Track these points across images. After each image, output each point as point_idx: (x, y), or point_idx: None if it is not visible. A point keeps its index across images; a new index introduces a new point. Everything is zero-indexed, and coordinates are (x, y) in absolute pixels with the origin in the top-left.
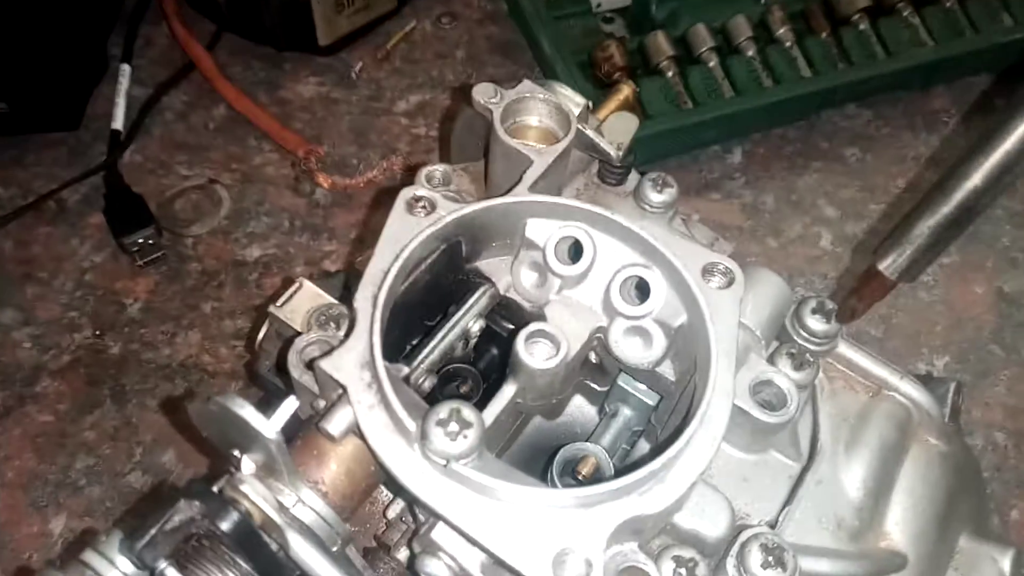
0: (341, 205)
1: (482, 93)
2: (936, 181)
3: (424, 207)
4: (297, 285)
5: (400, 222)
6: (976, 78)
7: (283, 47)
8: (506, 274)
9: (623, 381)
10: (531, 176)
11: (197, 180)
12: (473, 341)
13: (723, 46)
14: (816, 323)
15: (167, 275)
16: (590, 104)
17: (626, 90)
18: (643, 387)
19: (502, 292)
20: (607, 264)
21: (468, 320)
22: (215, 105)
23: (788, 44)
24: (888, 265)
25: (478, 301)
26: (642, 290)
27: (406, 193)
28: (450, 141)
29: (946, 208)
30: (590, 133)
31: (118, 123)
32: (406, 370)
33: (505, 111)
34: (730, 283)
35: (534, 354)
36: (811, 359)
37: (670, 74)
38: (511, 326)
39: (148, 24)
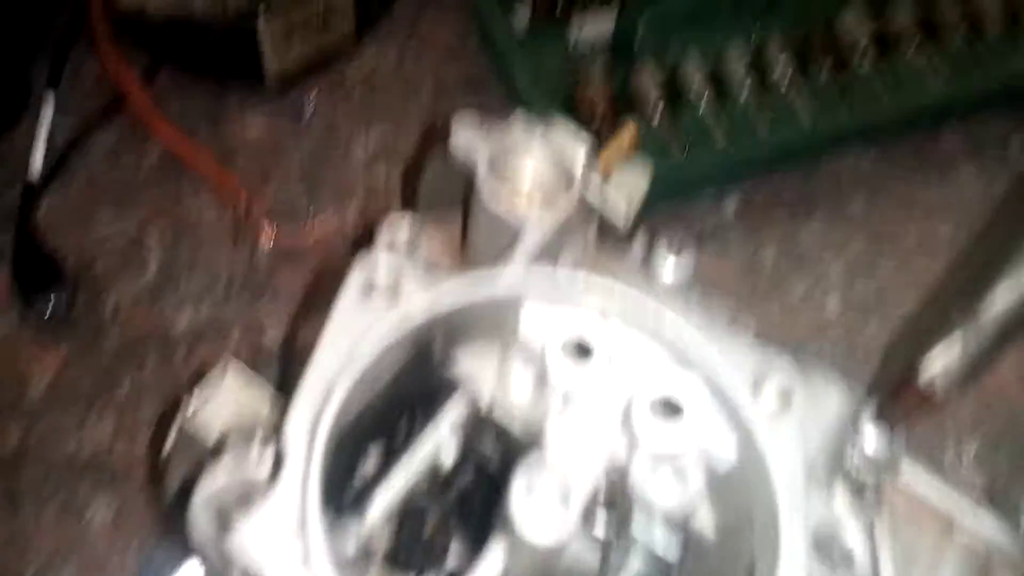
0: (287, 260)
1: (463, 135)
2: (976, 274)
3: (385, 294)
4: (220, 371)
5: (352, 314)
6: (990, 116)
7: (227, 79)
8: (491, 382)
9: (639, 527)
10: (527, 250)
11: (123, 232)
12: (445, 472)
13: (714, 87)
14: (876, 450)
15: (80, 348)
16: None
17: (632, 130)
18: (663, 537)
19: (486, 406)
20: (626, 369)
21: (439, 446)
22: (148, 145)
23: (785, 85)
24: (939, 379)
25: (453, 418)
26: (674, 411)
27: (358, 275)
28: (418, 191)
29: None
30: (594, 197)
31: (36, 165)
32: (355, 528)
33: (492, 161)
34: (788, 403)
35: (534, 509)
36: (875, 490)
37: (657, 115)
38: (496, 457)
39: (78, 52)
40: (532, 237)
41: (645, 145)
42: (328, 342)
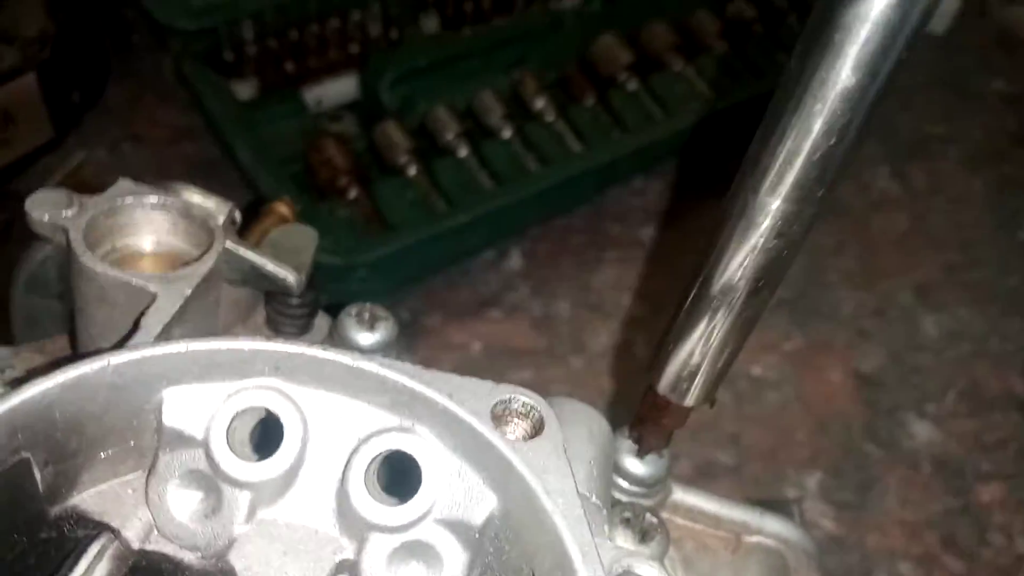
0: None
1: (44, 203)
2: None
3: None
4: None
5: None
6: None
7: None
8: (139, 506)
9: None
10: (157, 319)
11: None
12: None
13: (473, 130)
14: (639, 465)
15: None
16: (236, 212)
17: (282, 208)
18: None
19: (136, 544)
20: (330, 442)
21: None
22: None
23: (551, 118)
24: (671, 389)
25: (91, 572)
26: (404, 474)
27: None
28: (8, 307)
29: (709, 310)
30: (248, 252)
31: None
32: None
33: (92, 229)
34: (538, 428)
35: None
36: (655, 521)
37: (412, 172)
38: None
39: None
40: (163, 303)
41: (402, 207)
42: None
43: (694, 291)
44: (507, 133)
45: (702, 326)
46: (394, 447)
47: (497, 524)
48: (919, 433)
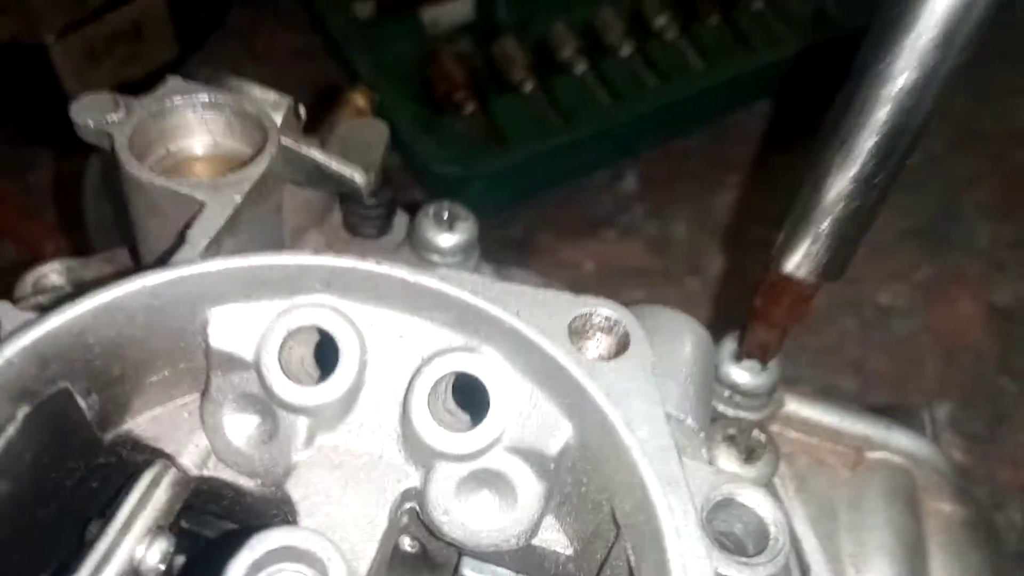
0: None
1: (88, 108)
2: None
3: None
4: None
5: None
6: None
7: (28, 118)
8: (196, 430)
9: (472, 570)
10: (204, 230)
11: None
12: (158, 570)
13: (591, 47)
14: (744, 374)
15: None
16: (301, 108)
17: (358, 99)
18: (511, 574)
19: (194, 470)
20: (392, 363)
21: (134, 543)
22: None
23: (672, 36)
24: (796, 266)
25: (146, 500)
26: (472, 397)
27: None
28: (85, 215)
29: (842, 174)
30: (311, 150)
31: None
32: None
33: (140, 134)
34: (623, 344)
35: None
36: (763, 437)
37: (529, 88)
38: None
39: None
40: (209, 214)
41: (518, 122)
42: None
43: (822, 159)
44: (627, 51)
45: (831, 196)
46: (459, 369)
47: (575, 454)
48: None
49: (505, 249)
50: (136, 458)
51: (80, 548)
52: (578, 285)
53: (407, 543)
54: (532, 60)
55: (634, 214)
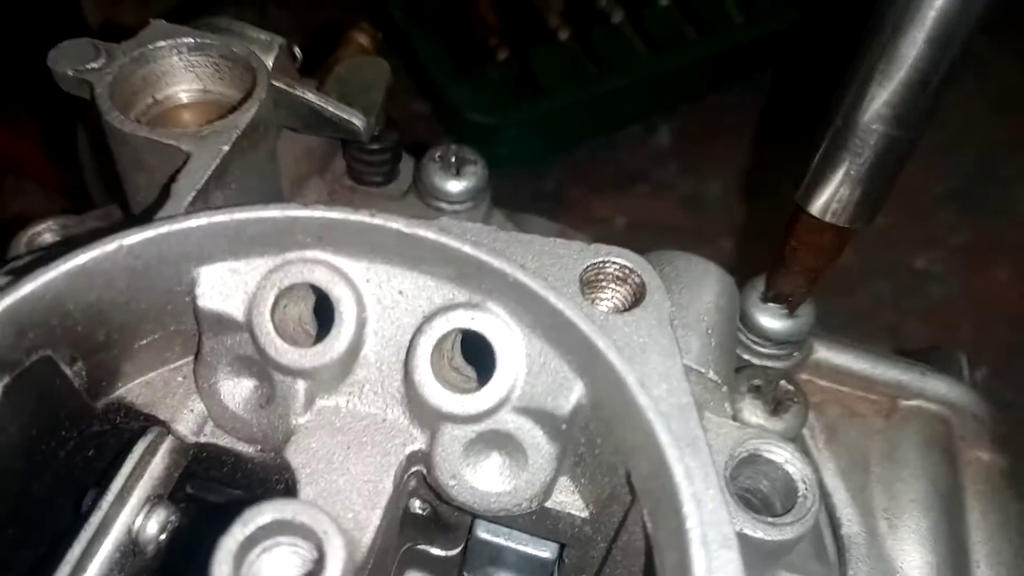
0: None
1: (66, 55)
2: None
3: None
4: None
5: None
6: None
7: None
8: (191, 395)
9: (486, 532)
10: (189, 183)
11: None
12: (158, 540)
13: None
14: (774, 321)
15: None
16: (295, 47)
17: (360, 37)
18: (526, 537)
19: (191, 437)
20: (393, 321)
21: (131, 513)
22: None
23: None
24: (825, 210)
25: (143, 469)
26: (482, 352)
27: None
28: (82, 165)
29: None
30: (306, 93)
31: None
32: None
33: (123, 82)
34: (638, 295)
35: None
36: (791, 388)
37: (564, 36)
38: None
39: None
40: (194, 165)
41: (554, 71)
42: None
43: (858, 70)
44: (666, 1)
45: (866, 118)
46: (462, 326)
47: (587, 415)
48: None
49: (537, 202)
50: (131, 425)
51: (76, 519)
52: (608, 241)
53: (417, 505)
54: (568, 6)
55: (668, 170)
